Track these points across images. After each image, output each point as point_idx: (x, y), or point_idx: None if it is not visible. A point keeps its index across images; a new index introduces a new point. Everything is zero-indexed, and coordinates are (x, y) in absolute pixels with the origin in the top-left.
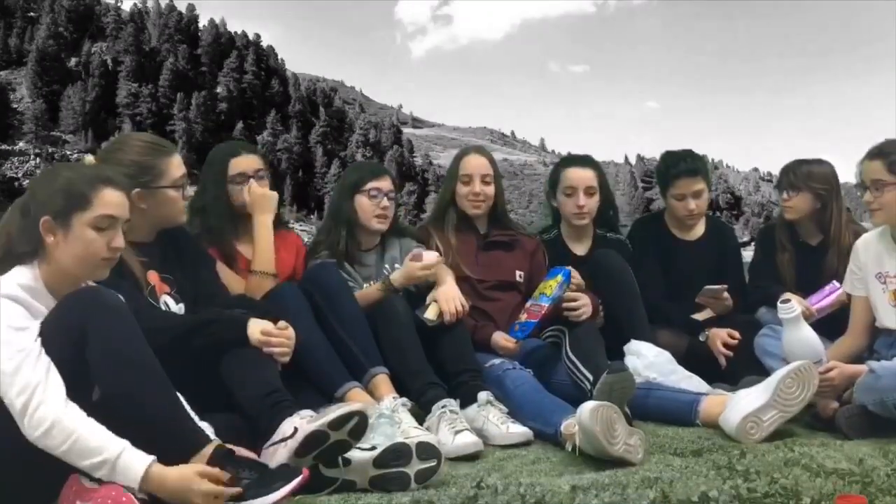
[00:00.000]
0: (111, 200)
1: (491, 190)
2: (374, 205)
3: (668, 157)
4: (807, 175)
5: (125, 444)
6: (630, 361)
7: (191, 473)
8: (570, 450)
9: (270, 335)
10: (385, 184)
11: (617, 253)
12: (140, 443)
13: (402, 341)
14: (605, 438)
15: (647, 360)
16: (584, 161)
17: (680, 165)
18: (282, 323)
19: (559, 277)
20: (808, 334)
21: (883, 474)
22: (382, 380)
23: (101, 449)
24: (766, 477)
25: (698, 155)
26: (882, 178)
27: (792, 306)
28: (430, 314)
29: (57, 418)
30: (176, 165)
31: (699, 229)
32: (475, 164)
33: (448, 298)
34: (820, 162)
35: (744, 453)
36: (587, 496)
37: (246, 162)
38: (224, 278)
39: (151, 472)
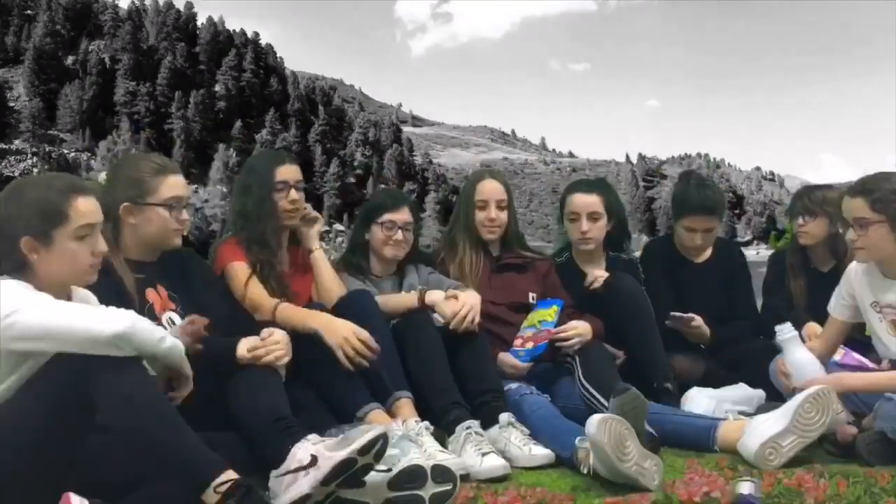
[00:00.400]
0: (86, 209)
1: (505, 215)
2: (386, 236)
3: (689, 186)
4: (822, 200)
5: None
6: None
7: None
8: (585, 472)
9: (256, 348)
10: (401, 216)
11: (631, 277)
12: (155, 472)
13: (430, 357)
14: (614, 454)
15: (700, 408)
16: (590, 186)
17: (696, 202)
18: (265, 331)
19: (555, 307)
20: (804, 356)
21: (888, 475)
22: (405, 403)
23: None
24: (770, 477)
25: (719, 189)
26: (865, 216)
27: (787, 327)
28: (446, 311)
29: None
30: (170, 186)
31: (707, 251)
32: (491, 190)
33: (469, 304)
34: (830, 187)
35: None
36: (588, 497)
37: (289, 171)
38: (252, 288)
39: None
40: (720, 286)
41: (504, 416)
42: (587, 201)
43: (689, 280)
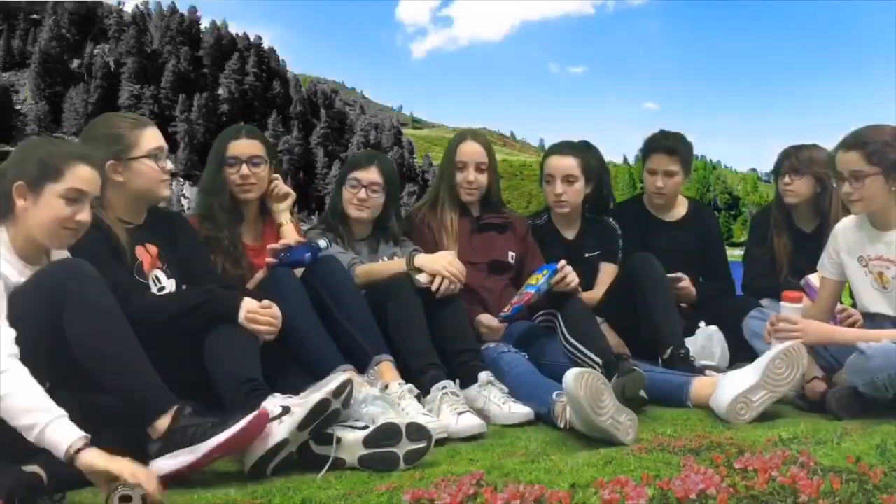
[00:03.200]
0: (83, 175)
1: (485, 178)
2: (351, 194)
3: (656, 133)
4: (809, 159)
5: (60, 413)
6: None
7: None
8: (562, 426)
9: (256, 313)
10: (367, 175)
11: (651, 257)
12: (112, 398)
13: (408, 319)
14: (589, 406)
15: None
16: (569, 148)
17: (660, 141)
18: (265, 301)
19: (546, 272)
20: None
21: (880, 472)
22: (387, 367)
23: (32, 412)
24: (764, 474)
25: (684, 140)
26: (861, 168)
27: (800, 308)
28: (423, 277)
29: None
30: (149, 137)
31: (680, 210)
32: (470, 152)
33: (446, 266)
34: (817, 147)
35: (742, 451)
36: (586, 493)
37: (242, 146)
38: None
39: (81, 455)
40: (694, 244)
41: (483, 375)
42: (563, 164)
43: (661, 238)
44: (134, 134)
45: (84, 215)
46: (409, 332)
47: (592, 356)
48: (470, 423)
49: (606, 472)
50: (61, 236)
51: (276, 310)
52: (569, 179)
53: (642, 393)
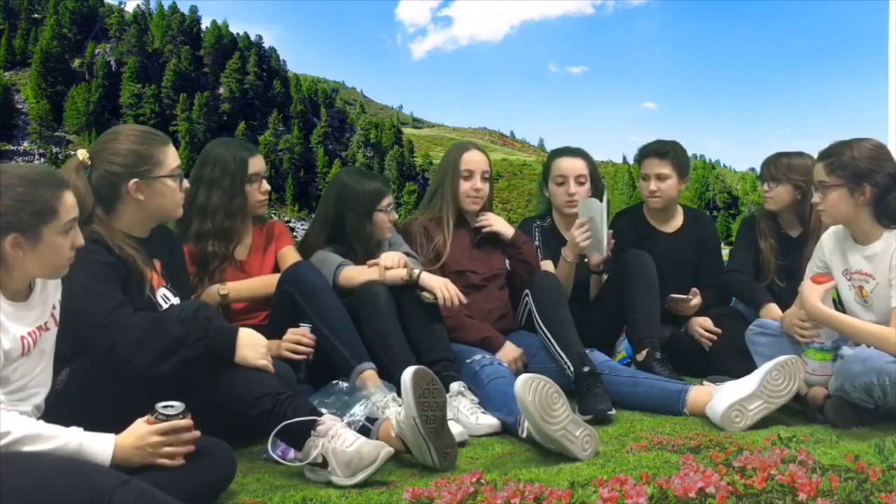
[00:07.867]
0: (71, 203)
1: (488, 187)
2: (390, 219)
3: (649, 142)
4: (787, 167)
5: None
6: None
7: (140, 429)
8: (523, 436)
9: (262, 359)
10: (391, 195)
11: (649, 257)
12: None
13: (386, 330)
14: (539, 414)
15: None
16: (575, 151)
17: (650, 147)
18: (291, 334)
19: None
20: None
21: (878, 471)
22: (370, 375)
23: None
24: (763, 473)
25: (677, 145)
26: (824, 179)
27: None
28: (428, 295)
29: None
30: (172, 155)
31: (677, 221)
32: (479, 161)
33: (444, 284)
34: (800, 154)
35: (741, 450)
36: (586, 491)
37: (259, 162)
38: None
39: (117, 449)
40: (691, 254)
41: (454, 386)
42: (575, 165)
43: (658, 248)
44: (159, 151)
45: (79, 240)
46: (388, 343)
47: (564, 357)
48: (452, 430)
49: (606, 470)
50: (63, 268)
51: (308, 339)
52: (580, 181)
53: (611, 412)
